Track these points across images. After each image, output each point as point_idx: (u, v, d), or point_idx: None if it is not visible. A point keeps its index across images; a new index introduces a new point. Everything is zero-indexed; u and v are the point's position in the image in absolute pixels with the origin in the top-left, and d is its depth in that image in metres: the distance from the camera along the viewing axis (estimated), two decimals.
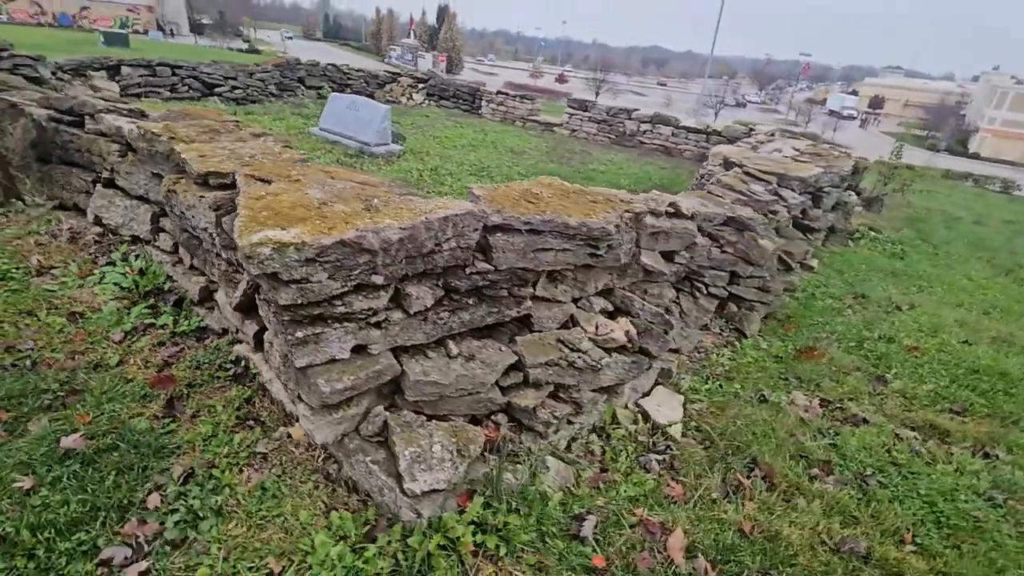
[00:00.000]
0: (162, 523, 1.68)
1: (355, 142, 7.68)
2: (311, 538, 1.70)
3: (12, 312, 2.54)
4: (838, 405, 3.10)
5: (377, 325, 1.87)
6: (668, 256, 3.32)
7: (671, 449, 2.46)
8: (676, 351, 3.34)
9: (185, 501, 1.75)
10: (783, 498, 2.30)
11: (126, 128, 3.09)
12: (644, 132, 11.36)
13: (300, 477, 1.92)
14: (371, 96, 13.37)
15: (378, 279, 1.80)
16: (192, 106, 8.62)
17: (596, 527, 1.96)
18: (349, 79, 13.32)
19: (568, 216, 2.25)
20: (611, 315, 2.88)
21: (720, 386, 3.14)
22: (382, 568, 1.65)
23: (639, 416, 2.65)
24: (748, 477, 2.36)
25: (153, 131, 2.87)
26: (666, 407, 2.77)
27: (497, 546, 1.77)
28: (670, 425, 2.61)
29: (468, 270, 2.10)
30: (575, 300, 2.69)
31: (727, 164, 5.74)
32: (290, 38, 61.57)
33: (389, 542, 1.73)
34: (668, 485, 2.25)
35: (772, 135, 9.53)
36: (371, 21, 76.93)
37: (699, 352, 3.56)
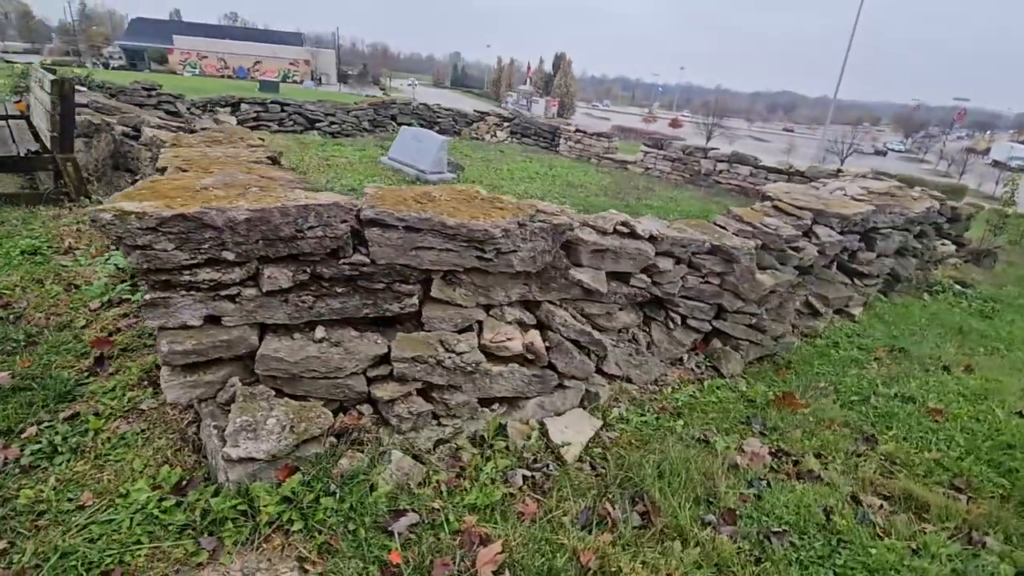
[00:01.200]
0: (22, 449, 1.93)
1: (414, 170, 8.23)
2: (133, 484, 1.85)
3: (27, 279, 3.08)
4: (796, 458, 2.72)
5: (231, 299, 2.03)
6: (623, 278, 3.18)
7: (549, 469, 2.32)
8: (616, 377, 3.14)
9: (52, 437, 2.00)
10: (657, 538, 2.06)
11: (151, 136, 3.65)
12: (720, 171, 10.87)
13: (159, 433, 2.11)
14: (457, 133, 14.27)
15: (229, 255, 1.97)
16: (291, 137, 9.79)
17: (415, 526, 1.91)
18: (438, 117, 14.35)
19: (452, 217, 2.29)
20: (537, 328, 2.82)
21: (657, 419, 2.89)
22: (177, 520, 1.75)
23: (537, 433, 2.54)
24: (624, 511, 2.15)
25: (161, 138, 3.37)
26: (573, 429, 2.61)
27: (292, 520, 1.80)
28: (564, 446, 2.46)
29: (342, 260, 2.21)
30: (488, 308, 2.68)
31: (763, 198, 5.35)
32: (413, 85, 67.75)
33: (198, 499, 1.83)
34: (523, 502, 2.12)
35: (864, 175, 8.67)
36: (493, 70, 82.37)
37: (658, 384, 3.31)
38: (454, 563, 1.78)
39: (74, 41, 71.12)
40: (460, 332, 2.52)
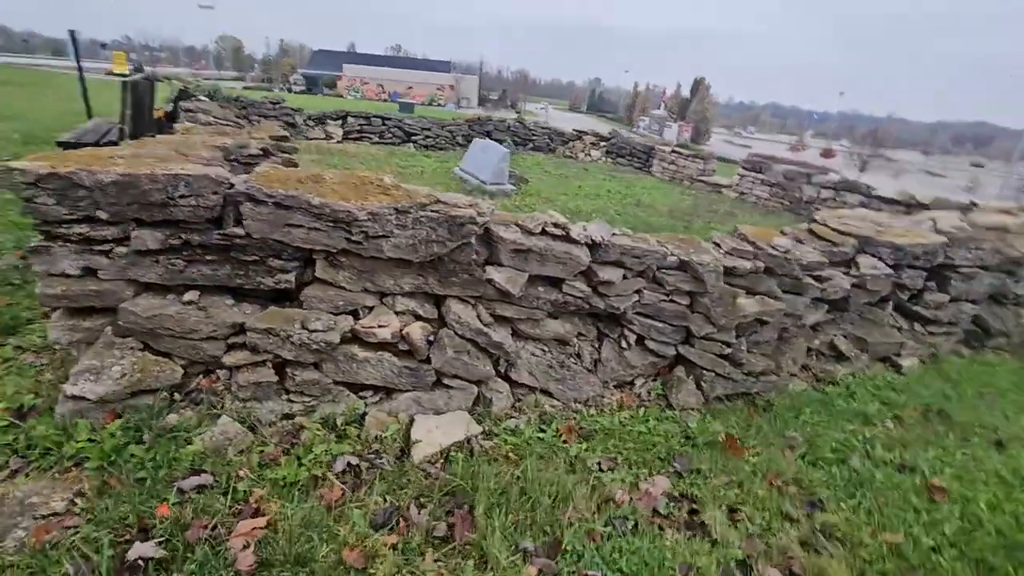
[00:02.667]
0: None
1: (476, 180, 8.44)
2: None
3: None
4: (695, 507, 2.30)
5: (105, 255, 2.26)
6: (557, 284, 2.97)
7: (382, 463, 2.22)
8: (531, 388, 2.91)
9: None
10: (451, 553, 1.87)
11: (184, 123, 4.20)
12: (825, 200, 9.64)
13: (41, 366, 2.39)
14: (552, 151, 14.36)
15: (103, 214, 2.19)
16: (387, 148, 10.53)
17: (204, 487, 1.94)
18: (533, 135, 14.56)
19: (320, 198, 2.32)
20: (439, 323, 2.73)
21: (557, 438, 2.63)
22: (5, 439, 1.97)
23: (397, 427, 2.44)
24: (433, 518, 1.99)
25: (186, 125, 3.86)
26: (443, 431, 2.47)
27: (88, 456, 1.93)
28: (416, 443, 2.34)
29: (217, 231, 2.35)
30: (383, 295, 2.66)
31: (810, 221, 4.65)
32: (545, 109, 69.67)
33: (34, 425, 2.04)
34: (330, 488, 2.05)
35: (1008, 211, 7.14)
36: (629, 95, 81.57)
37: (588, 404, 3.01)
38: (210, 529, 1.77)
39: (269, 70, 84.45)
40: (339, 314, 2.53)
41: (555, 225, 2.92)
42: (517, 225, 2.90)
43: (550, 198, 8.25)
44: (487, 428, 2.62)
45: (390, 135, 12.39)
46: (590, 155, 14.33)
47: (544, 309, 2.94)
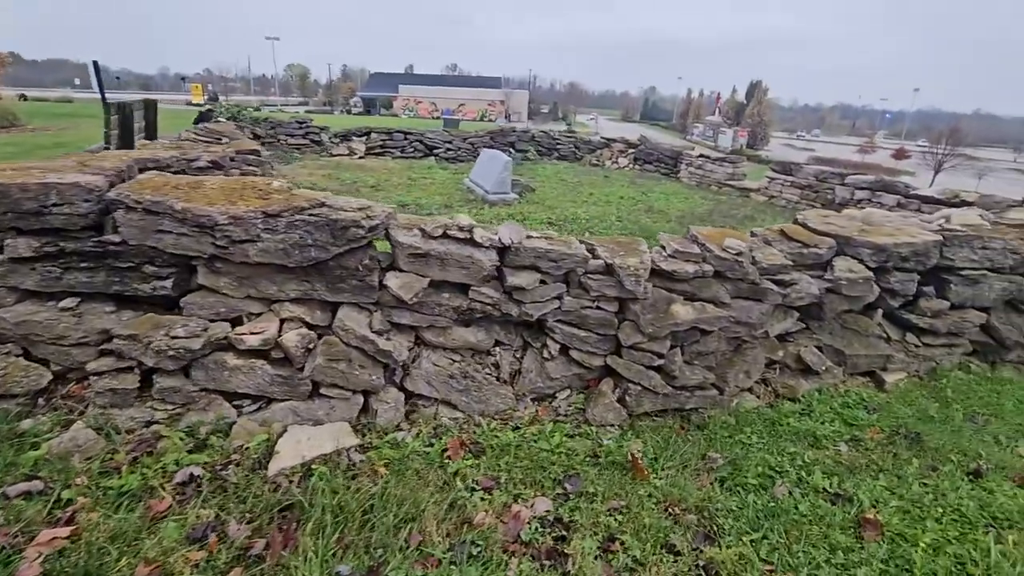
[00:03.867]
0: None
1: (481, 190, 8.39)
2: None
3: None
4: (565, 534, 2.07)
5: None
6: (464, 288, 2.83)
7: (229, 477, 2.14)
8: (430, 399, 2.77)
9: None
10: (266, 571, 1.76)
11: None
12: (859, 201, 8.89)
13: None
14: (578, 159, 14.16)
15: None
16: (407, 161, 10.74)
17: (30, 493, 1.93)
18: (558, 144, 14.38)
19: (185, 203, 2.31)
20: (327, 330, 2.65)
21: (443, 454, 2.46)
22: None
23: (263, 438, 2.36)
24: (257, 535, 1.88)
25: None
26: (312, 443, 2.37)
27: None
28: (276, 455, 2.25)
29: (93, 238, 2.38)
30: (273, 302, 2.61)
31: (794, 222, 4.25)
32: (594, 119, 69.63)
33: None
34: (160, 499, 1.99)
35: None
36: (682, 101, 79.88)
37: (496, 418, 2.83)
38: (12, 536, 1.75)
39: (331, 94, 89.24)
40: (218, 321, 2.49)
41: (459, 228, 2.78)
42: (419, 229, 2.79)
43: (553, 206, 8.06)
44: (368, 440, 2.49)
45: (411, 149, 12.62)
46: (617, 163, 13.98)
47: (447, 316, 2.80)
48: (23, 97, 18.32)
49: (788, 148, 62.35)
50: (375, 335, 2.61)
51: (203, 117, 9.27)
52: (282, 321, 2.58)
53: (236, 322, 2.56)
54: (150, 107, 6.15)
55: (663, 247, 3.26)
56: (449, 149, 12.80)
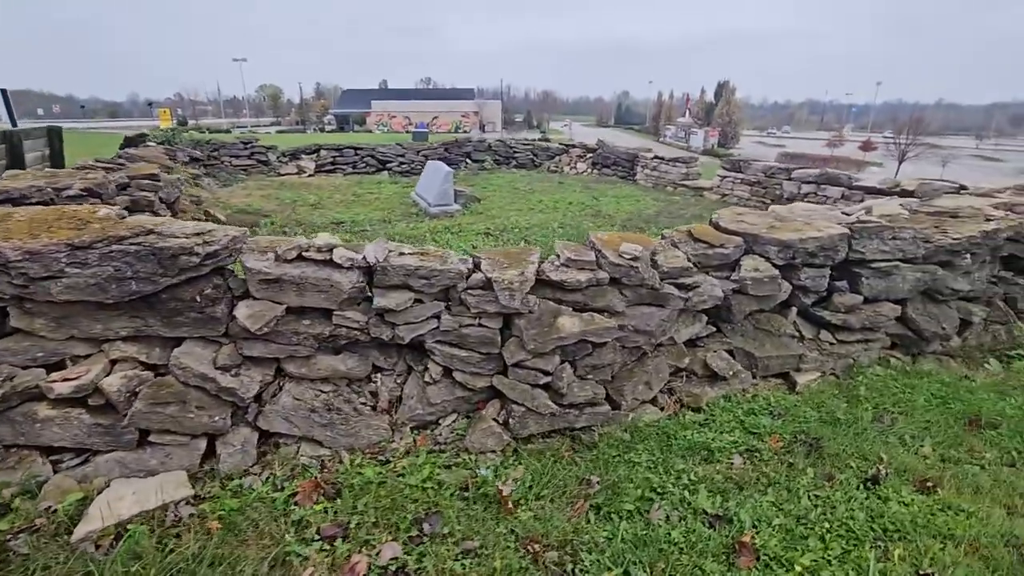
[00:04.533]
0: None
1: (424, 202, 8.20)
2: None
3: None
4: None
5: None
6: (327, 313, 2.62)
7: (19, 548, 1.89)
8: (290, 437, 2.54)
9: None
10: None
11: None
12: (806, 195, 8.86)
13: None
14: (537, 167, 14.07)
15: None
16: (358, 177, 10.50)
17: None
18: (515, 152, 14.26)
19: None
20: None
21: (288, 500, 2.24)
22: None
23: (79, 498, 2.12)
24: None
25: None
26: (137, 499, 2.13)
27: None
28: (85, 516, 2.01)
29: None
30: (103, 342, 2.38)
31: (709, 222, 4.12)
32: (567, 126, 70.18)
33: None
34: None
35: (990, 194, 6.26)
36: (653, 104, 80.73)
37: (365, 452, 2.61)
38: None
39: (303, 113, 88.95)
40: (34, 367, 2.25)
41: (317, 249, 2.58)
42: (274, 252, 2.58)
43: (496, 215, 7.89)
44: (207, 490, 2.26)
45: (363, 164, 12.40)
46: (576, 168, 13.89)
47: (308, 345, 2.59)
48: None
49: (759, 145, 63.20)
50: (219, 371, 2.39)
51: (129, 142, 8.97)
52: (113, 362, 2.35)
53: (59, 366, 2.32)
54: (54, 135, 5.85)
55: (557, 255, 3.09)
56: (402, 163, 12.60)
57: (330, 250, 2.60)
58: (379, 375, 2.91)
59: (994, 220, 4.10)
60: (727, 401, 3.11)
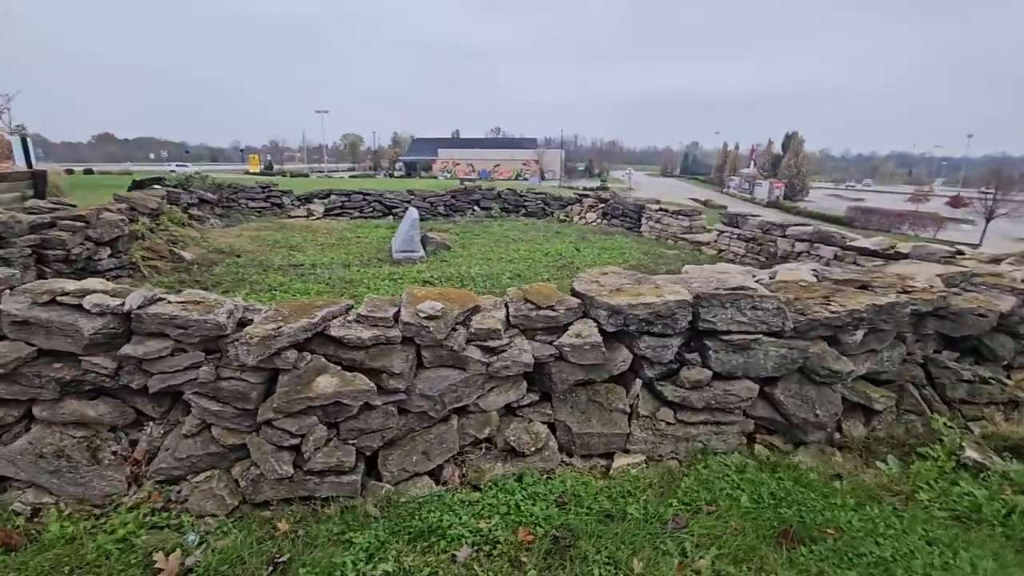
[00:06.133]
0: None
1: (393, 248, 8.33)
2: None
3: None
4: None
5: None
6: (76, 358, 2.65)
7: None
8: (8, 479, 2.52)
9: None
10: None
11: None
12: (799, 253, 8.18)
13: None
14: (548, 216, 14.04)
15: None
16: (362, 221, 10.93)
17: None
18: (525, 201, 14.30)
19: None
20: None
21: None
22: None
23: None
24: None
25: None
26: None
27: None
28: None
29: None
30: None
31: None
32: (628, 175, 70.85)
33: None
34: None
35: (1001, 261, 5.51)
36: (718, 155, 79.27)
37: (94, 504, 2.55)
38: None
39: (376, 159, 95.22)
40: None
41: (66, 293, 2.63)
42: (29, 295, 2.66)
43: (458, 264, 7.84)
44: None
45: (370, 209, 12.87)
46: (585, 218, 13.71)
47: (51, 388, 2.60)
48: (69, 171, 20.32)
49: (834, 198, 60.21)
50: None
51: (138, 185, 9.83)
52: None
53: None
54: (39, 178, 6.48)
55: (364, 315, 2.98)
56: (408, 209, 12.98)
57: (82, 295, 2.64)
58: (152, 423, 2.87)
59: (913, 292, 3.57)
60: (518, 481, 2.80)
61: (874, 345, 3.45)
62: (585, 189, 19.84)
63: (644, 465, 3.01)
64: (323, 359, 2.77)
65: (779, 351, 3.18)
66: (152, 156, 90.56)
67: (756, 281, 3.91)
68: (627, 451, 3.08)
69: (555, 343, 3.09)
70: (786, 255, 8.44)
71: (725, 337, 3.14)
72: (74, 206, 5.69)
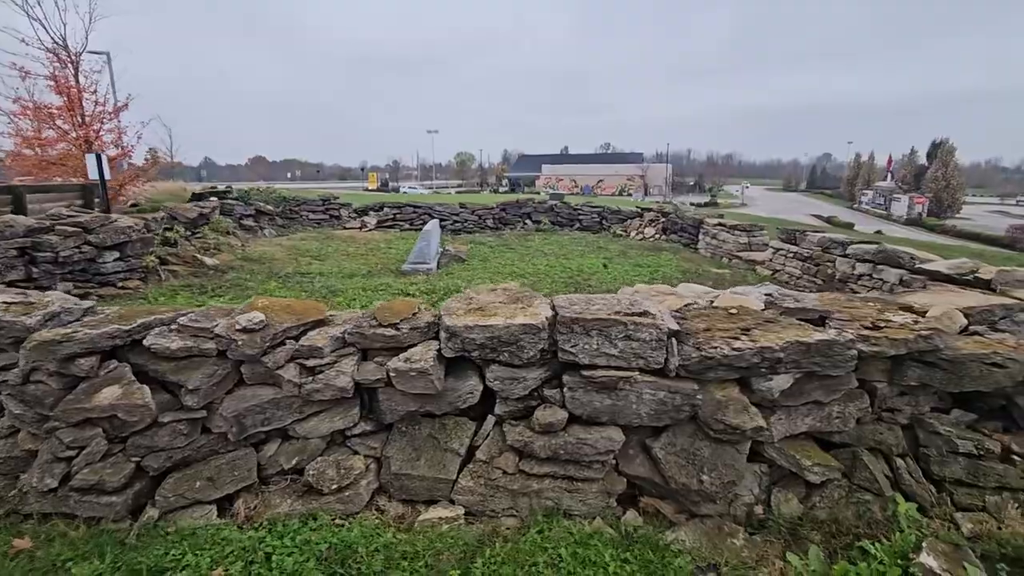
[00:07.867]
0: None
1: (407, 260, 8.28)
2: None
3: None
4: None
5: None
6: None
7: None
8: None
9: None
10: None
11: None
12: (860, 276, 6.79)
13: None
14: (604, 230, 13.34)
15: None
16: (412, 232, 11.19)
17: None
18: (579, 215, 13.63)
19: None
20: None
21: None
22: None
23: None
24: None
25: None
26: None
27: None
28: None
29: None
30: None
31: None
32: (742, 189, 66.93)
33: None
34: None
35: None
36: (849, 167, 70.81)
37: None
38: None
39: (483, 176, 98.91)
40: None
41: None
42: None
43: (460, 277, 7.55)
44: None
45: (420, 221, 13.04)
46: (643, 232, 12.75)
47: None
48: (213, 188, 23.45)
49: (999, 215, 51.49)
50: None
51: (197, 197, 10.81)
52: None
53: None
54: (15, 194, 6.93)
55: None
56: (456, 221, 12.97)
57: None
58: None
59: (887, 328, 2.66)
60: (303, 523, 2.43)
61: (818, 396, 2.61)
62: (584, 203, 18.30)
63: (461, 522, 2.48)
64: (127, 369, 2.64)
65: (656, 394, 2.50)
66: (289, 175, 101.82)
67: (684, 307, 3.19)
68: (453, 501, 2.58)
69: (388, 366, 2.69)
70: (845, 277, 7.07)
71: (587, 372, 2.53)
72: (107, 215, 6.37)
